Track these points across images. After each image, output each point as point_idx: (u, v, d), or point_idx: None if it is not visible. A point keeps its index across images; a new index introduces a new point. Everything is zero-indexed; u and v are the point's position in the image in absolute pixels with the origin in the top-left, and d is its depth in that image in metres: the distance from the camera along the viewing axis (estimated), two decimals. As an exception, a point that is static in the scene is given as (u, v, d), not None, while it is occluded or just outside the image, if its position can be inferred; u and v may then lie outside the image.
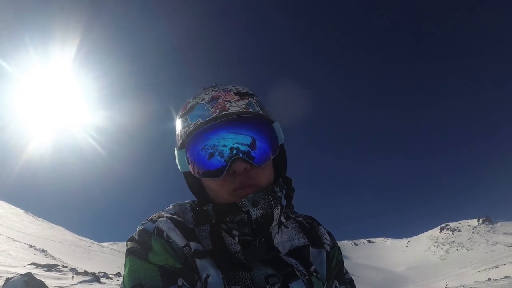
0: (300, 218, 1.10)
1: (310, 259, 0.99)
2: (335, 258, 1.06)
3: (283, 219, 1.00)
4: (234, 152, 0.87)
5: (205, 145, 0.89)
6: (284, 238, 0.99)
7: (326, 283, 1.01)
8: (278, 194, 0.92)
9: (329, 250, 1.05)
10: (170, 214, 0.93)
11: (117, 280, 20.71)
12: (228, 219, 0.89)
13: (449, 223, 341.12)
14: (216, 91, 0.94)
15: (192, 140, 0.90)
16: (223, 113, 0.88)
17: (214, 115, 0.88)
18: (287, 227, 1.03)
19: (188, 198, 1.04)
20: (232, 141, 0.88)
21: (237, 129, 0.88)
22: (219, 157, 0.87)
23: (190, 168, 0.92)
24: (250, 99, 0.94)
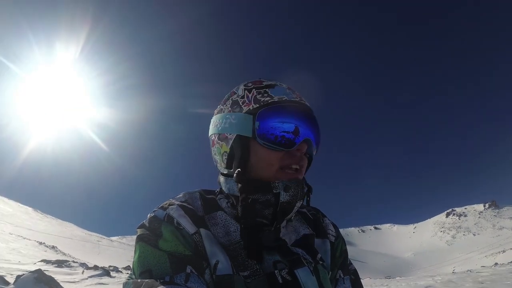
0: (304, 210, 1.11)
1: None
2: (340, 249, 1.08)
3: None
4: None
5: (277, 128, 0.92)
6: (289, 230, 1.01)
7: (330, 272, 1.02)
8: (305, 189, 0.94)
9: (333, 240, 1.07)
10: (180, 201, 0.94)
11: (127, 273, 20.87)
12: (254, 196, 0.90)
13: (455, 209, 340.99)
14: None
15: (271, 112, 0.92)
16: (305, 102, 0.97)
17: (298, 99, 0.96)
18: (291, 220, 1.04)
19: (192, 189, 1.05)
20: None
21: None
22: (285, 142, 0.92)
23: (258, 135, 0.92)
24: None
